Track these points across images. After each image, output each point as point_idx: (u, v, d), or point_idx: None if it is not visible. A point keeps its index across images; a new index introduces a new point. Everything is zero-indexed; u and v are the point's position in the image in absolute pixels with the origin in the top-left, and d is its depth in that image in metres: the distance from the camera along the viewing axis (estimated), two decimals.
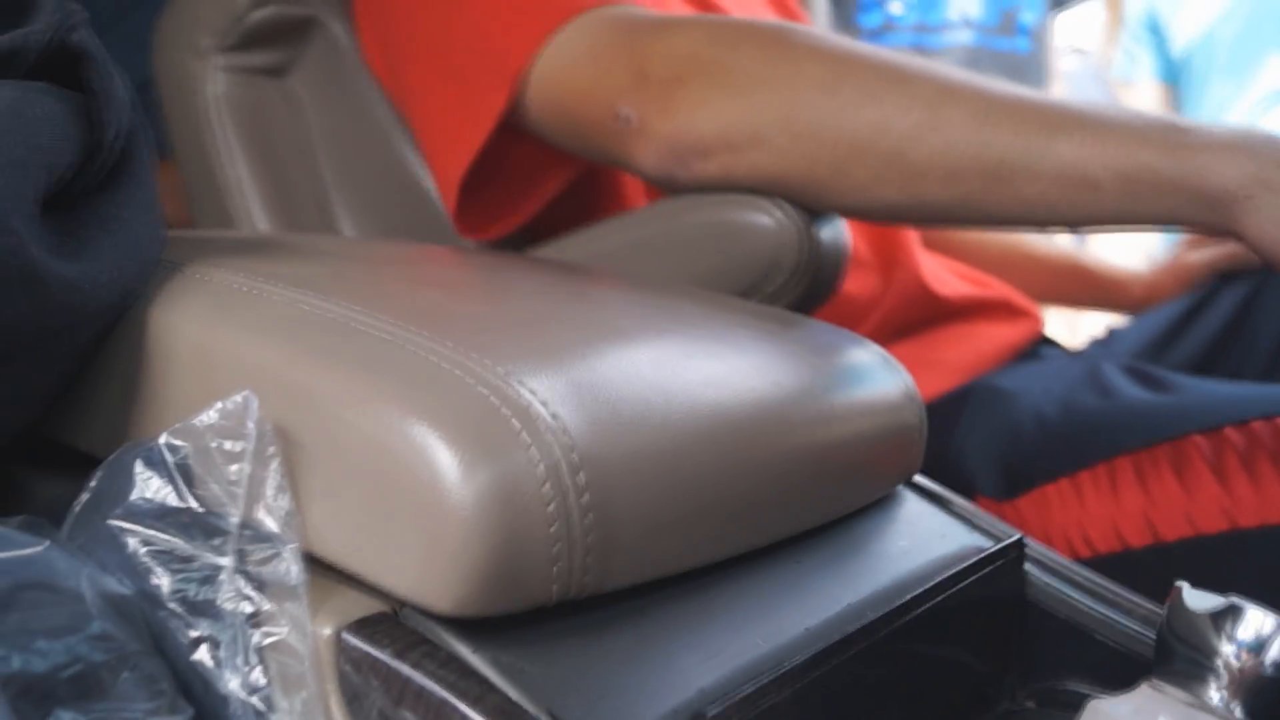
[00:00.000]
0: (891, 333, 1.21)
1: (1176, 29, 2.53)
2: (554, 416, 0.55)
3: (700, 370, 0.65)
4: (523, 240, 1.12)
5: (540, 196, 1.09)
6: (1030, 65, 2.35)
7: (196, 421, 0.56)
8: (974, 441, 1.08)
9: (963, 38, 2.30)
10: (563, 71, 0.99)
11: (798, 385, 0.70)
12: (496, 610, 0.53)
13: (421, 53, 1.10)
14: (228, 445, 0.56)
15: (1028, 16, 2.35)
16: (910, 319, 1.23)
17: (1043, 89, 2.34)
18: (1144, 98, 2.61)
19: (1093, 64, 2.94)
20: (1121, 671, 0.76)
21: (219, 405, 0.56)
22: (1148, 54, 2.60)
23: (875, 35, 2.27)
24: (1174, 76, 2.59)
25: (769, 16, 1.33)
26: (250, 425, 0.56)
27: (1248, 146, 0.81)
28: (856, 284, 1.16)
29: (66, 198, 0.63)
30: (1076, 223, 0.88)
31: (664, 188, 1.00)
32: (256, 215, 1.17)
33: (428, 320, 0.61)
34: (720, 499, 0.62)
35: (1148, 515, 0.97)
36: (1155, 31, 2.58)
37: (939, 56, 2.25)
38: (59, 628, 0.51)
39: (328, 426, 0.56)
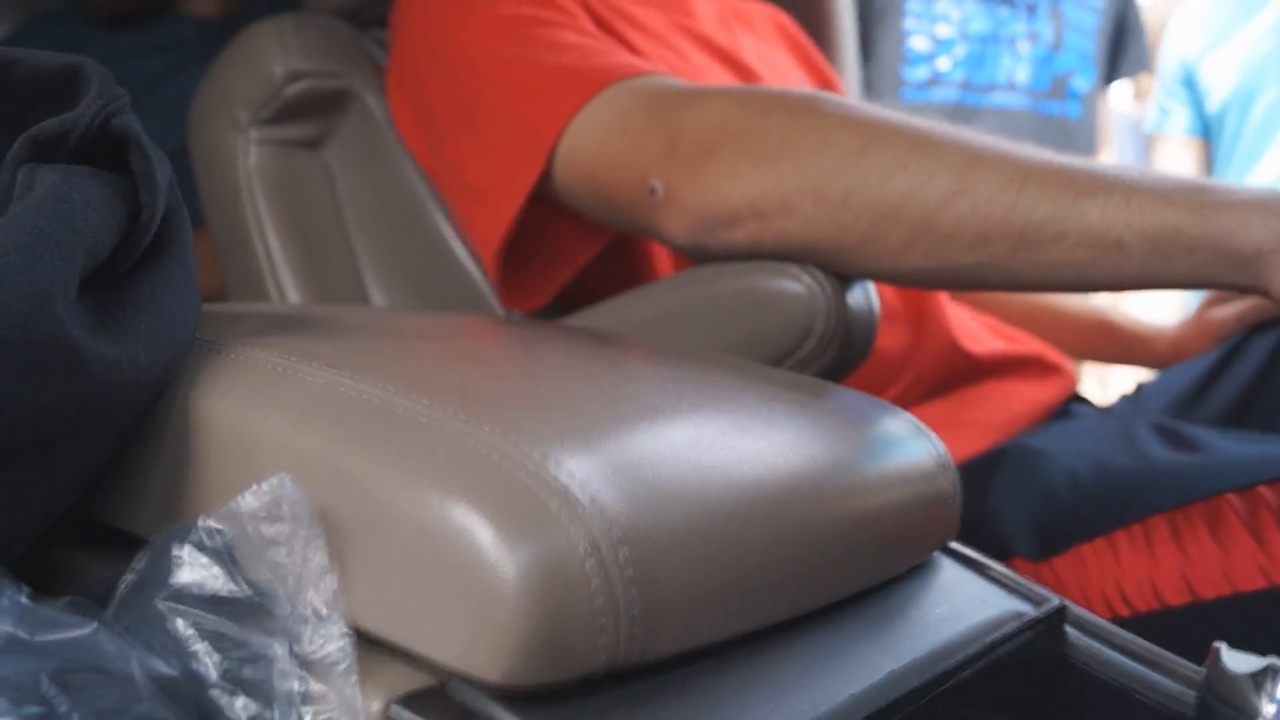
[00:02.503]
0: (924, 391, 1.21)
1: (1211, 84, 2.52)
2: (592, 499, 0.56)
3: (735, 447, 0.66)
4: (555, 308, 1.12)
5: (572, 265, 1.10)
6: (1080, 131, 2.33)
7: (235, 505, 0.57)
8: (1008, 503, 1.08)
9: (1011, 100, 2.29)
10: (593, 143, 1.00)
11: (831, 459, 0.71)
12: (545, 681, 0.53)
13: (458, 124, 1.11)
14: (266, 529, 0.56)
15: (1079, 83, 2.34)
16: (942, 377, 1.23)
17: (1092, 155, 2.33)
18: (1177, 152, 2.60)
19: (1129, 119, 2.93)
20: None
21: (255, 488, 0.56)
22: (1182, 109, 2.59)
23: (920, 89, 2.27)
24: (1207, 132, 2.58)
25: (805, 85, 1.34)
26: (287, 508, 0.56)
27: (1273, 206, 0.81)
28: (888, 339, 1.16)
29: (104, 276, 0.64)
30: (1104, 285, 0.88)
31: (692, 256, 1.00)
32: (288, 285, 1.18)
33: (465, 401, 0.61)
34: (759, 571, 0.62)
35: (1185, 574, 0.97)
36: (1190, 86, 2.57)
37: (985, 116, 2.24)
38: (109, 710, 0.51)
39: (370, 509, 0.56)
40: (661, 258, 1.15)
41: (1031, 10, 2.31)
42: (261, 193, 1.19)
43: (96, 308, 0.62)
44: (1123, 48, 2.44)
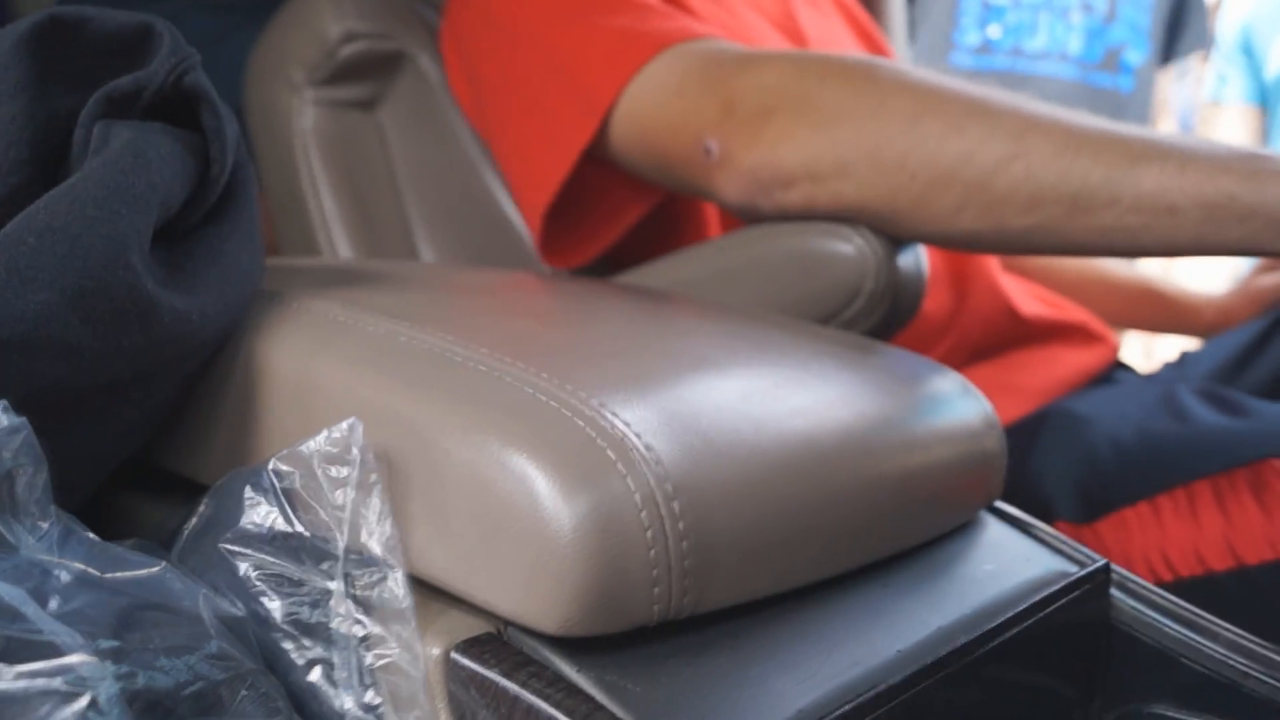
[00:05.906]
0: (968, 355, 1.21)
1: (1270, 52, 2.50)
2: (648, 448, 0.57)
3: (787, 400, 0.66)
4: (603, 267, 1.13)
5: (621, 224, 1.11)
6: (1132, 105, 2.30)
7: (303, 448, 0.58)
8: (1051, 466, 1.08)
9: (1062, 70, 2.27)
10: (650, 105, 1.00)
11: (881, 414, 0.71)
12: (600, 630, 0.55)
13: (508, 85, 1.11)
14: (333, 471, 0.57)
15: (1133, 56, 2.31)
16: (987, 341, 1.23)
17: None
18: (1234, 120, 2.58)
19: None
20: (1207, 696, 0.76)
21: (325, 433, 0.58)
22: (1240, 76, 2.57)
23: (971, 54, 2.25)
24: (1265, 99, 2.56)
25: (857, 51, 1.34)
26: (355, 452, 0.57)
27: None
28: (931, 303, 1.15)
29: (174, 229, 0.65)
30: (1156, 250, 0.87)
31: (745, 217, 1.01)
32: (341, 244, 1.19)
33: (522, 351, 0.62)
34: (809, 524, 0.63)
35: (1228, 539, 0.97)
36: (1248, 54, 2.54)
37: (1036, 85, 2.21)
38: (178, 647, 0.52)
39: (429, 456, 0.58)
40: (709, 219, 1.15)
41: None
42: (316, 152, 1.20)
43: (167, 260, 0.64)
44: (1182, 24, 2.41)
